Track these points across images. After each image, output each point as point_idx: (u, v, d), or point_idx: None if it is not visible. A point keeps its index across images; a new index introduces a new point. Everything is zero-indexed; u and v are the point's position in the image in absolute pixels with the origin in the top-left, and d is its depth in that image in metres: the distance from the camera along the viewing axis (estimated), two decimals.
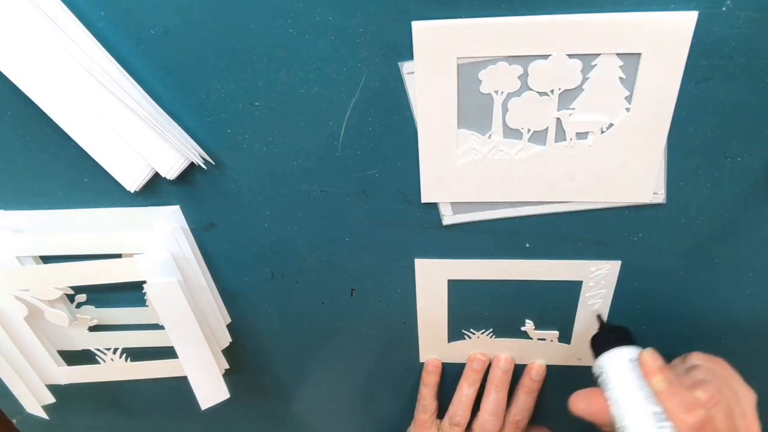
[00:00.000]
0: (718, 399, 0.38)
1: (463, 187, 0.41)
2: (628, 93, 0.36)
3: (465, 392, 0.52)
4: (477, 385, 0.53)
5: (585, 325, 0.49)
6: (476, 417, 0.52)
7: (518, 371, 0.53)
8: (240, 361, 0.55)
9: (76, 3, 0.36)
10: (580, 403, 0.42)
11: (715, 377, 0.41)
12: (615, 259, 0.45)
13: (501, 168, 0.40)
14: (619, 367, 0.42)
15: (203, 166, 0.41)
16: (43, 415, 0.51)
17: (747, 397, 0.41)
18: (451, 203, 0.43)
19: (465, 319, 0.50)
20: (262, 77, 0.38)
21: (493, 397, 0.51)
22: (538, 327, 0.50)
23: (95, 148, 0.40)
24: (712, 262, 0.44)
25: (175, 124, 0.40)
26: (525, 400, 0.52)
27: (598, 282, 0.46)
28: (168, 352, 0.48)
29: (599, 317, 0.48)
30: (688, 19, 0.33)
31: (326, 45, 0.36)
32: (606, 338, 0.45)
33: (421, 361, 0.54)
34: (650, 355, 0.41)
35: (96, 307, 0.51)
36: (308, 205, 0.44)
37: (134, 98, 0.38)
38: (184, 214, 0.45)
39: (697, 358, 0.44)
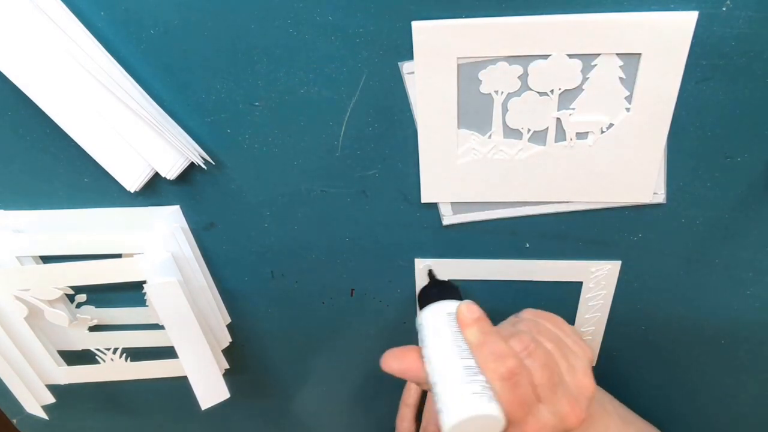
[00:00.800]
0: (534, 349, 0.36)
1: (463, 187, 0.41)
2: (628, 93, 0.36)
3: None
4: None
5: (586, 325, 0.49)
6: None
7: None
8: (240, 361, 0.55)
9: (76, 3, 0.36)
10: (392, 361, 0.39)
11: (539, 329, 0.39)
12: (615, 259, 0.45)
13: (501, 168, 0.40)
14: (437, 321, 0.39)
15: (203, 166, 0.41)
16: (43, 415, 0.51)
17: (580, 354, 0.39)
18: (451, 203, 0.43)
19: None
20: (262, 77, 0.38)
21: None
22: None
23: (95, 148, 0.40)
24: (712, 262, 0.44)
25: (175, 124, 0.40)
26: None
27: (598, 282, 0.46)
28: (168, 352, 0.48)
29: (430, 272, 0.46)
30: (688, 19, 0.33)
31: (326, 45, 0.36)
32: (430, 292, 0.42)
33: None
34: (467, 307, 0.38)
35: (96, 307, 0.51)
36: (308, 205, 0.44)
37: (134, 98, 0.38)
38: (184, 214, 0.45)
39: (527, 313, 0.42)
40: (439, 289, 0.42)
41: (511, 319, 0.43)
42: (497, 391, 0.34)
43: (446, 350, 0.37)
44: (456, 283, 0.44)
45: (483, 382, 0.35)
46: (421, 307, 0.42)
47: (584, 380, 0.38)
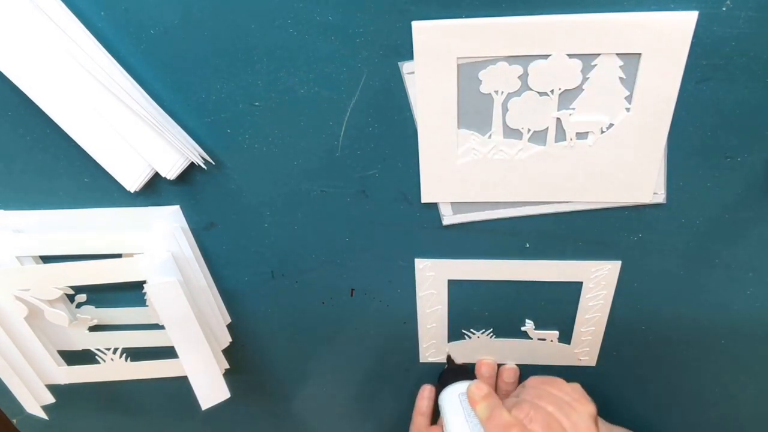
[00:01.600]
0: (533, 414, 0.41)
1: (463, 187, 0.41)
2: (628, 93, 0.36)
3: None
4: None
5: (586, 325, 0.49)
6: None
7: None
8: (240, 361, 0.55)
9: (76, 3, 0.36)
10: None
11: (540, 395, 0.43)
12: (615, 259, 0.45)
13: (501, 168, 0.40)
14: (451, 401, 0.45)
15: (203, 166, 0.41)
16: (43, 415, 0.51)
17: (581, 410, 0.42)
18: (451, 203, 0.43)
19: (465, 319, 0.50)
20: (262, 77, 0.38)
21: None
22: (538, 327, 0.50)
23: (95, 148, 0.40)
24: (712, 262, 0.44)
25: (175, 124, 0.40)
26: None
27: (598, 282, 0.46)
28: (168, 352, 0.48)
29: (449, 357, 0.51)
30: (688, 19, 0.33)
31: (326, 45, 0.36)
32: (446, 376, 0.48)
33: (421, 361, 0.54)
34: (475, 386, 0.44)
35: (96, 307, 0.51)
36: (308, 205, 0.44)
37: (134, 98, 0.38)
38: (184, 214, 0.45)
39: (531, 381, 0.47)
40: (455, 372, 0.49)
41: (518, 389, 0.48)
42: None
43: (462, 427, 0.43)
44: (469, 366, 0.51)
45: None
46: (441, 388, 0.48)
47: None
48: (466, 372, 0.49)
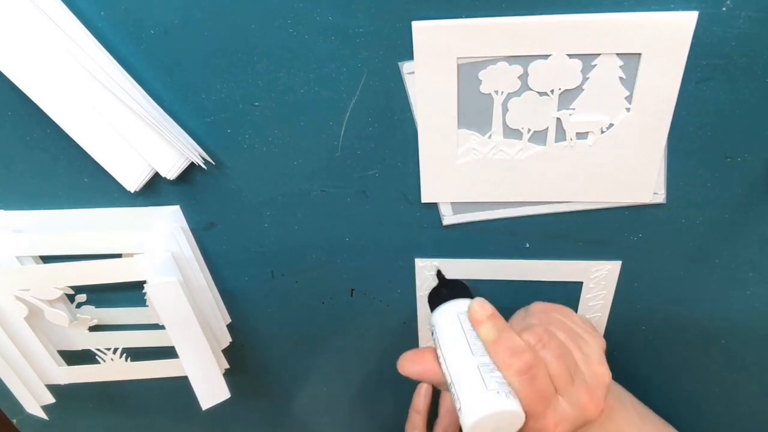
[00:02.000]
0: (547, 340, 0.36)
1: (463, 187, 0.41)
2: (628, 93, 0.36)
3: (449, 402, 0.51)
4: None
5: None
6: None
7: None
8: (240, 361, 0.55)
9: (76, 3, 0.36)
10: (408, 365, 0.39)
11: (551, 321, 0.39)
12: (615, 259, 0.45)
13: (501, 168, 0.40)
14: (449, 320, 0.39)
15: (203, 166, 0.41)
16: (43, 415, 0.51)
17: (593, 343, 0.39)
18: (451, 203, 0.43)
19: None
20: (262, 77, 0.38)
21: None
22: None
23: (95, 148, 0.40)
24: (712, 262, 0.44)
25: (175, 124, 0.40)
26: None
27: (598, 282, 0.46)
28: (168, 352, 0.48)
29: (439, 272, 0.45)
30: (688, 19, 0.33)
31: (326, 45, 0.36)
32: (441, 292, 0.42)
33: None
34: (479, 305, 0.38)
35: (96, 307, 0.51)
36: (308, 205, 0.44)
37: (134, 98, 0.38)
38: (184, 214, 0.45)
39: (536, 306, 0.42)
40: (449, 289, 0.42)
41: (521, 313, 0.42)
42: (515, 386, 0.34)
43: (461, 349, 0.37)
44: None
45: (500, 378, 0.35)
46: (433, 308, 0.42)
47: (599, 368, 0.37)
48: (462, 288, 0.43)
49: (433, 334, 0.40)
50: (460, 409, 0.35)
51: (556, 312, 0.41)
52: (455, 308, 0.40)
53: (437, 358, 0.38)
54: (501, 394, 0.34)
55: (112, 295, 0.50)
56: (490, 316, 0.37)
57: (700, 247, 0.43)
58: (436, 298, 0.42)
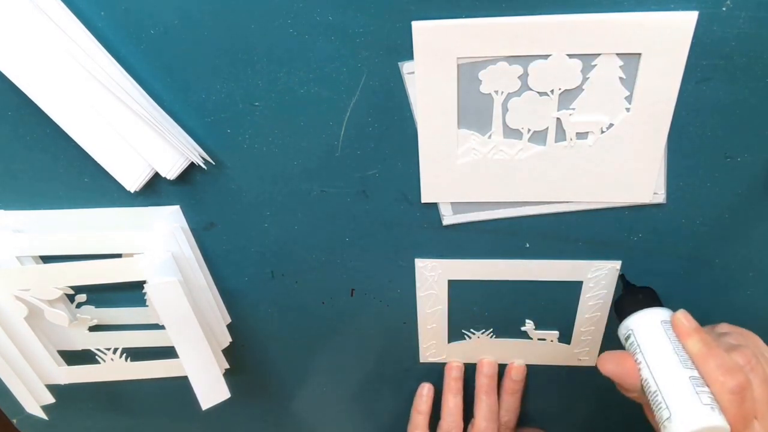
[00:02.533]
0: (755, 364, 0.36)
1: (463, 187, 0.41)
2: (628, 93, 0.36)
3: (452, 402, 0.52)
4: (461, 393, 0.53)
5: (585, 325, 0.49)
6: (471, 424, 0.52)
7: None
8: (240, 361, 0.55)
9: (76, 3, 0.36)
10: (609, 364, 0.40)
11: (757, 344, 0.39)
12: (615, 259, 0.45)
13: (501, 168, 0.40)
14: (650, 328, 0.39)
15: (203, 166, 0.41)
16: (43, 415, 0.51)
17: None
18: (451, 203, 0.43)
19: (465, 319, 0.50)
20: (262, 77, 0.38)
21: (485, 403, 0.51)
22: (538, 327, 0.50)
23: (95, 148, 0.40)
24: (712, 262, 0.44)
25: (175, 124, 0.40)
26: (509, 401, 0.52)
27: (598, 282, 0.46)
28: (168, 352, 0.48)
29: (622, 276, 0.46)
30: (688, 19, 0.33)
31: (326, 45, 0.36)
32: (633, 299, 0.42)
33: (421, 361, 0.54)
34: (685, 316, 0.38)
35: (96, 307, 0.51)
36: (308, 205, 0.44)
37: (134, 98, 0.38)
38: (184, 214, 0.45)
39: (726, 327, 0.42)
40: (644, 295, 0.42)
41: (708, 330, 0.41)
42: (724, 404, 0.35)
43: (669, 359, 0.37)
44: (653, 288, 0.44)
45: (710, 394, 0.35)
46: (624, 313, 0.42)
47: None
48: (653, 295, 0.43)
49: (627, 339, 0.40)
50: (668, 418, 0.36)
51: (748, 335, 0.41)
52: (656, 316, 0.40)
53: (637, 364, 0.39)
54: (714, 409, 0.34)
55: (112, 295, 0.50)
56: (696, 329, 0.37)
57: (700, 247, 0.43)
58: (629, 304, 0.42)
